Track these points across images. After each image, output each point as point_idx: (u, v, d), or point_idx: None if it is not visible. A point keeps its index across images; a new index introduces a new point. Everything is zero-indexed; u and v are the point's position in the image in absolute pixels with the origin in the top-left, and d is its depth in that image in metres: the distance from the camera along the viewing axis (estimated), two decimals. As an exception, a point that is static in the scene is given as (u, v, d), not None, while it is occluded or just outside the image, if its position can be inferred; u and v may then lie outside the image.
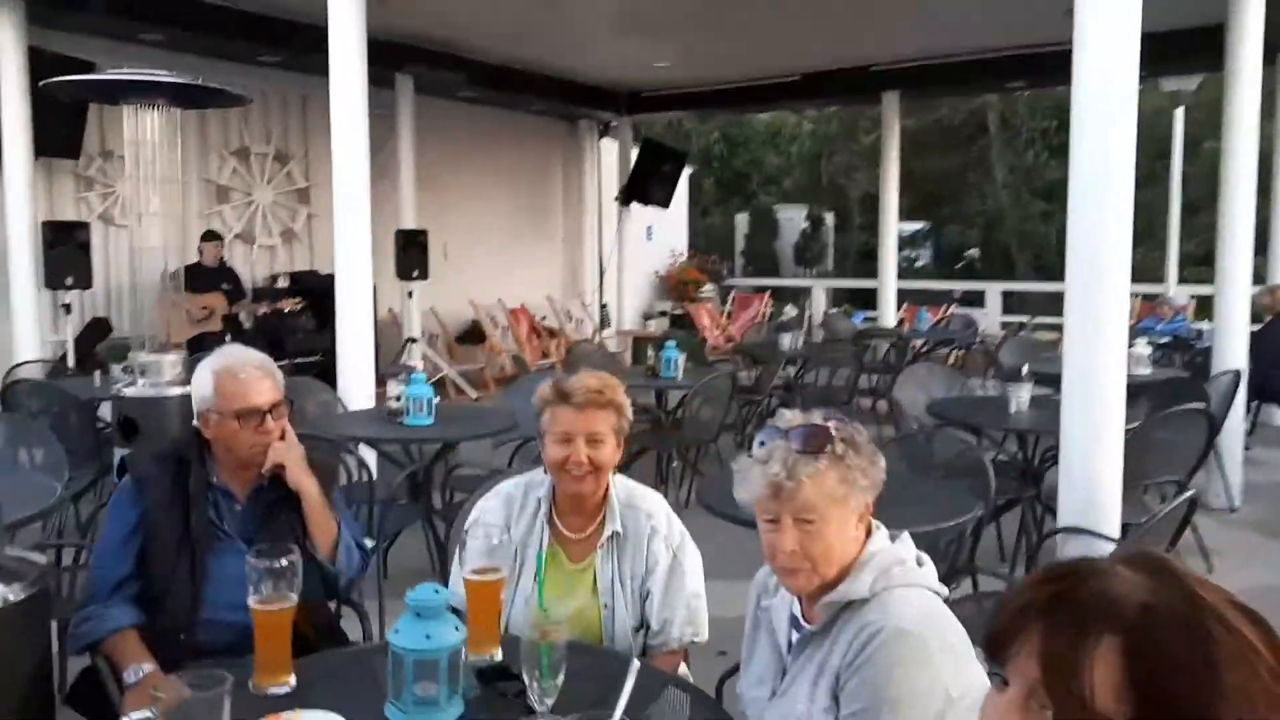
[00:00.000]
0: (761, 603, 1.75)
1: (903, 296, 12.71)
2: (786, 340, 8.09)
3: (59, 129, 7.37)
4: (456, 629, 1.61)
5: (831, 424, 1.60)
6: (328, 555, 2.28)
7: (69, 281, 7.18)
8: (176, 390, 4.57)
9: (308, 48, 6.65)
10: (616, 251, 12.84)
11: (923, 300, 14.04)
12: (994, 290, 13.96)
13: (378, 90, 9.88)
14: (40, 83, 3.99)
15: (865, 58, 10.28)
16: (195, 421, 2.32)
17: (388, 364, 9.71)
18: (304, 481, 2.27)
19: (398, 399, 4.37)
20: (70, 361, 7.37)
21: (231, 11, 7.86)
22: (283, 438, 2.31)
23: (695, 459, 5.95)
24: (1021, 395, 4.63)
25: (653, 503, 2.14)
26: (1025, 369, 4.80)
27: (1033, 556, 4.43)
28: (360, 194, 5.04)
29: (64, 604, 2.89)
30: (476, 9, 8.16)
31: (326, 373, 8.70)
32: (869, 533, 1.63)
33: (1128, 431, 3.57)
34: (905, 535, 1.66)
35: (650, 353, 6.34)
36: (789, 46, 9.52)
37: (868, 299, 13.19)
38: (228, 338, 7.93)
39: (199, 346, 7.94)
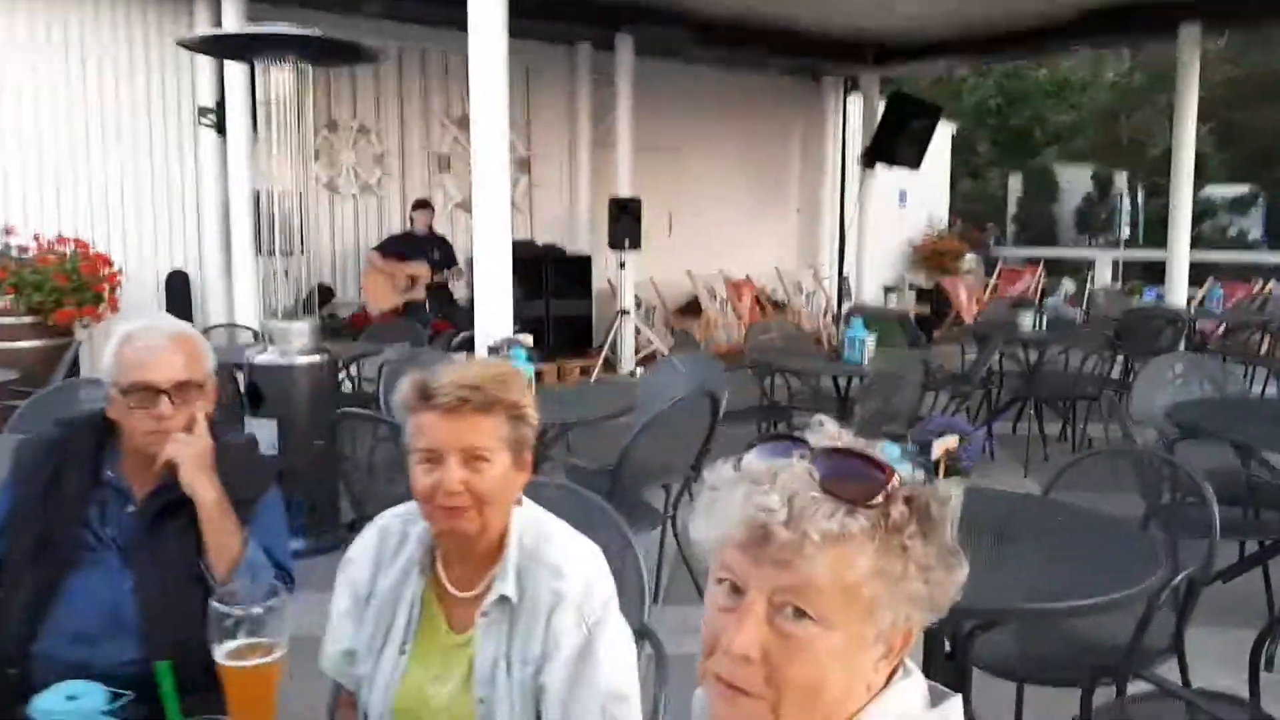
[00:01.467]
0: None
1: (1207, 272, 10.77)
2: (1028, 319, 6.89)
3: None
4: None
5: (897, 474, 0.91)
6: (222, 578, 1.84)
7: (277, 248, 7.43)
8: (304, 359, 4.43)
9: (523, 12, 6.41)
10: (857, 219, 11.82)
11: (1238, 275, 11.92)
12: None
13: (596, 53, 9.75)
14: (176, 40, 3.94)
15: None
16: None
17: (600, 335, 9.49)
18: (198, 485, 1.84)
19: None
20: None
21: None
22: (190, 429, 1.89)
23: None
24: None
25: (571, 555, 1.50)
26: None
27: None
28: (498, 158, 4.62)
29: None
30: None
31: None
32: (890, 678, 0.94)
33: None
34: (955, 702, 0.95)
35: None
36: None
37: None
38: (426, 306, 7.98)
39: (403, 315, 8.07)
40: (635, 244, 9.28)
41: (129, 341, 1.90)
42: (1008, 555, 2.21)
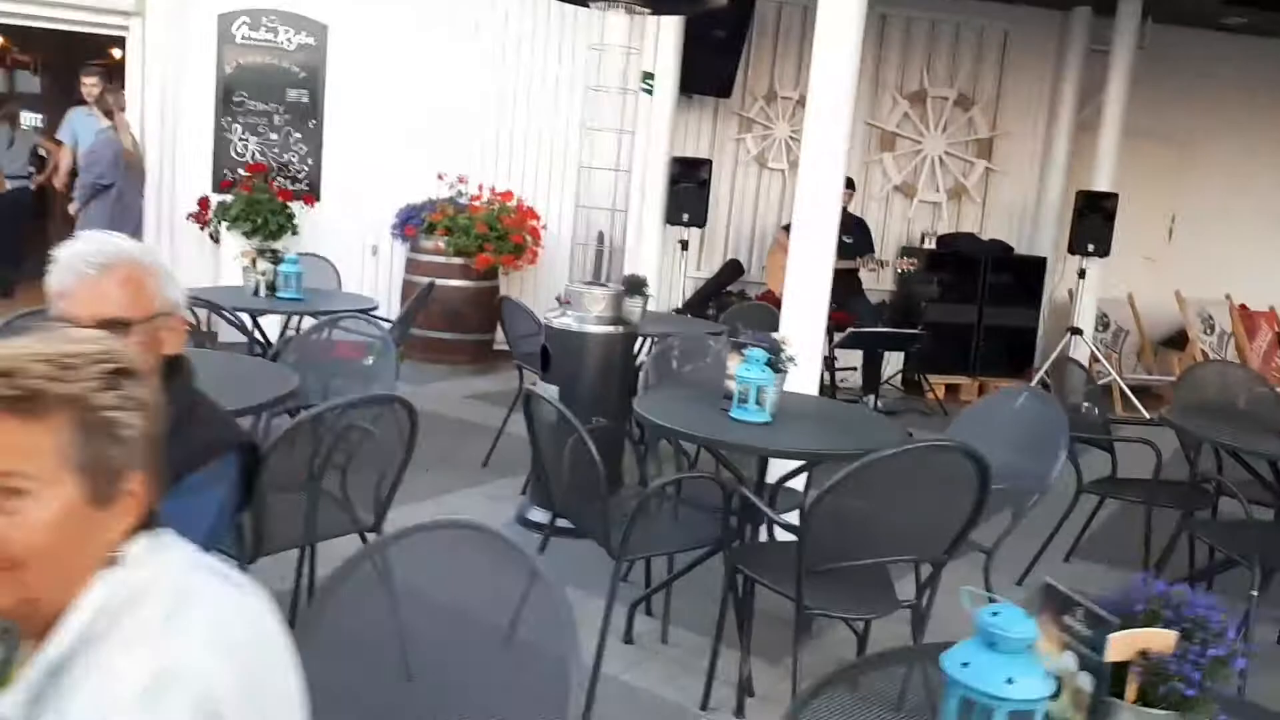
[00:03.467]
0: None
1: None
2: None
3: (709, 67, 7.42)
4: None
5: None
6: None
7: (685, 218, 7.24)
8: (598, 328, 4.09)
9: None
10: None
11: None
12: None
13: (1095, 18, 8.12)
14: None
15: None
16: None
17: (1045, 355, 8.02)
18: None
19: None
20: (682, 298, 7.51)
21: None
22: None
23: None
24: None
25: (130, 659, 0.87)
26: None
27: None
28: (836, 130, 3.79)
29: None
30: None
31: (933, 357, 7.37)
32: None
33: None
34: None
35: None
36: None
37: None
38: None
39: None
40: (1103, 250, 7.62)
41: (58, 264, 1.62)
42: None
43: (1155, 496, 3.69)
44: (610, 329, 4.11)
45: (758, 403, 2.93)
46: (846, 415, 3.32)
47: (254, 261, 4.87)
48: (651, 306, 7.32)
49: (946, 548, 2.54)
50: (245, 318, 4.73)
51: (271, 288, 4.83)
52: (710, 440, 2.79)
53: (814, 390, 3.91)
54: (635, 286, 5.29)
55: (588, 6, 3.94)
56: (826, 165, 3.80)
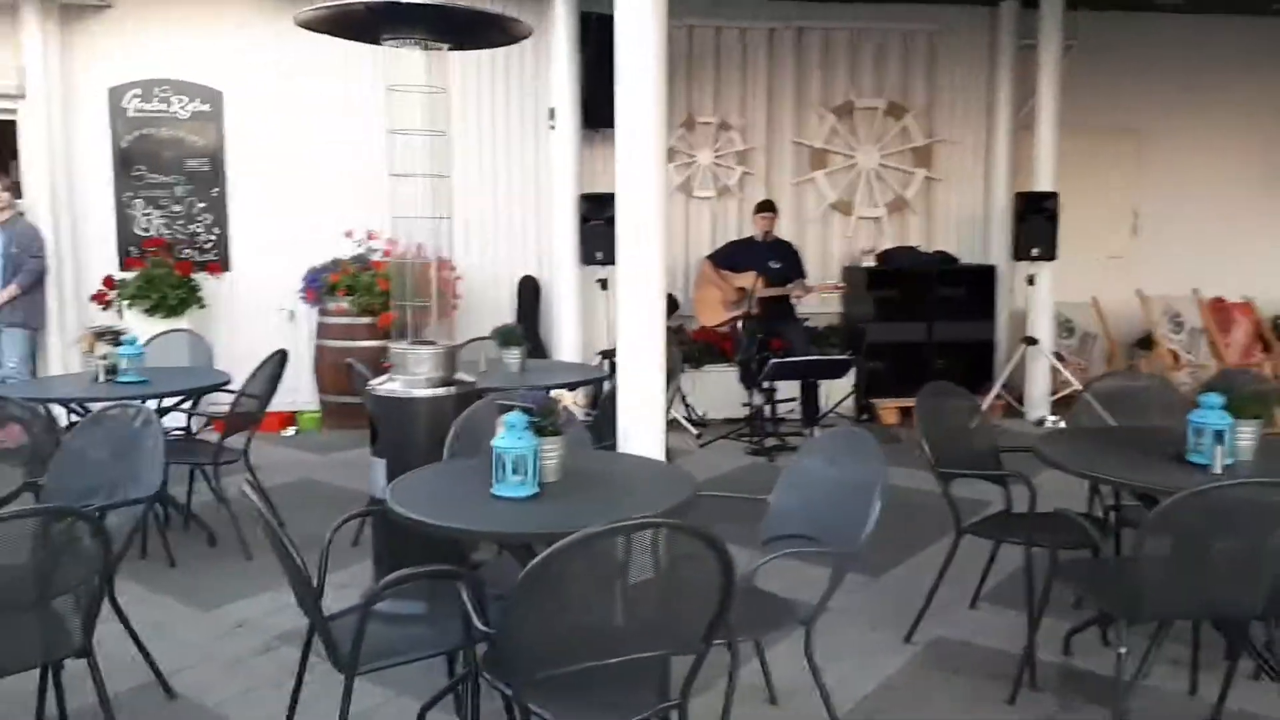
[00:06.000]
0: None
1: None
2: None
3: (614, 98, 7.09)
4: None
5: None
6: None
7: (599, 256, 6.90)
8: (426, 391, 3.73)
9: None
10: None
11: None
12: None
13: (1024, 10, 7.73)
14: (294, 16, 3.48)
15: None
16: None
17: (1000, 367, 7.57)
18: None
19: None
20: (608, 341, 7.15)
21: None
22: None
23: None
24: None
25: None
26: None
27: None
28: (647, 141, 3.42)
29: None
30: None
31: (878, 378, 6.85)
32: None
33: None
34: None
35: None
36: None
37: None
38: (739, 325, 6.89)
39: (734, 333, 7.09)
40: (1049, 253, 7.19)
41: None
42: None
43: (1033, 535, 3.25)
44: (439, 391, 3.75)
45: (516, 474, 2.56)
46: (642, 476, 2.91)
47: (91, 346, 4.59)
48: (569, 355, 7.03)
49: (704, 635, 2.14)
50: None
51: (113, 371, 4.54)
52: (440, 528, 2.41)
53: (659, 448, 3.51)
54: (509, 337, 4.96)
55: (379, 45, 3.63)
56: (644, 199, 3.44)
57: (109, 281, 7.05)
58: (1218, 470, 2.80)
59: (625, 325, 3.52)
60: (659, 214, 3.45)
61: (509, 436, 2.57)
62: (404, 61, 3.73)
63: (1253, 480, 2.63)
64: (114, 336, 4.61)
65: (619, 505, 2.58)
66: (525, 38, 3.70)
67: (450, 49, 3.68)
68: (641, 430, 3.50)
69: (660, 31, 3.34)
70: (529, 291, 7.73)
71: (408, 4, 3.46)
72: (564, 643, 2.06)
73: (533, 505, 2.53)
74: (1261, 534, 2.59)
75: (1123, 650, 2.64)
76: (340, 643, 2.40)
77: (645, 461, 3.17)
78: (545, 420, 2.66)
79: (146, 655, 3.20)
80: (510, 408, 2.66)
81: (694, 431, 6.94)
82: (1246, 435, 2.91)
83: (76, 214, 7.16)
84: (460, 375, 3.88)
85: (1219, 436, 2.84)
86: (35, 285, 6.45)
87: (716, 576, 2.06)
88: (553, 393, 2.85)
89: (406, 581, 2.35)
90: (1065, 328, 8.19)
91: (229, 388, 4.72)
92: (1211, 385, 2.97)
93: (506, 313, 7.62)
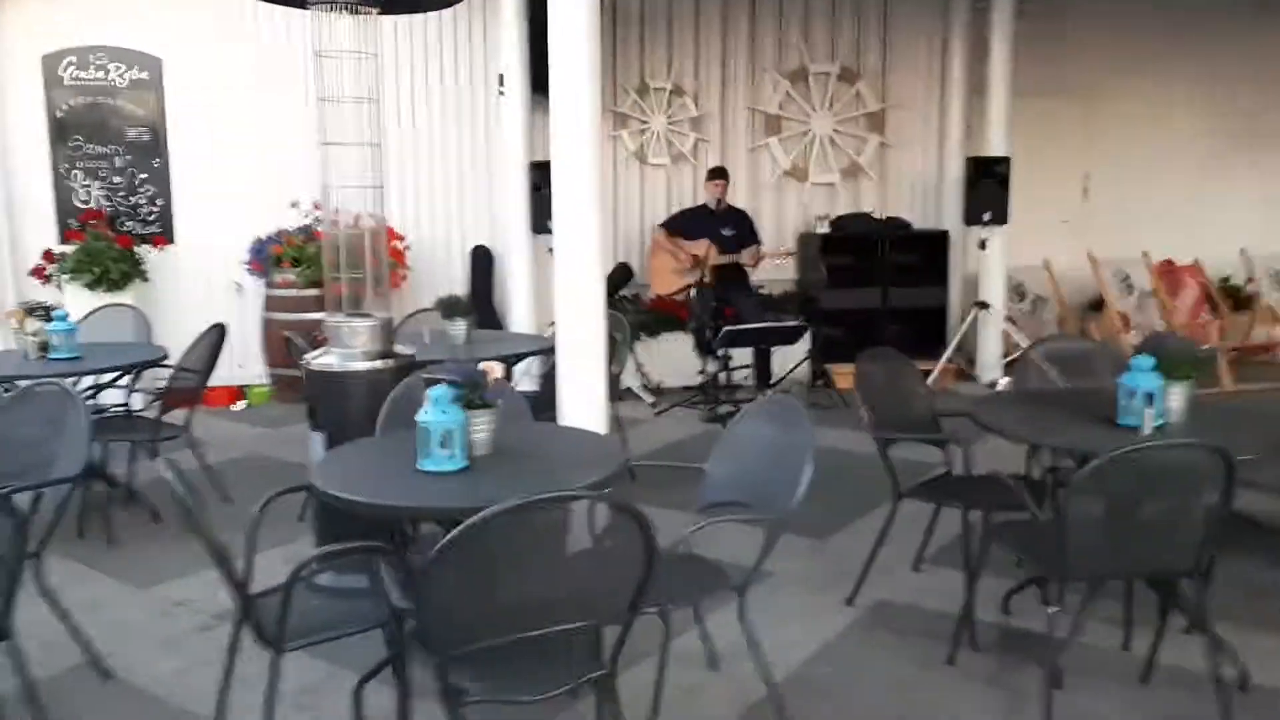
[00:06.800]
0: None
1: None
2: None
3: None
4: None
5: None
6: None
7: (550, 226, 6.80)
8: (362, 364, 3.68)
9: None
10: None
11: None
12: None
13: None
14: None
15: None
16: None
17: (954, 332, 7.61)
18: None
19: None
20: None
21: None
22: None
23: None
24: None
25: None
26: None
27: None
28: (584, 105, 3.36)
29: None
30: None
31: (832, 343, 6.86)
32: None
33: None
34: None
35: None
36: None
37: None
38: (693, 292, 6.87)
39: (688, 301, 7.06)
40: (1000, 218, 7.23)
41: None
42: None
43: (970, 498, 3.28)
44: (376, 364, 3.69)
45: (443, 448, 2.52)
46: (574, 449, 2.88)
47: (21, 323, 4.47)
48: (522, 326, 6.96)
49: (629, 605, 2.12)
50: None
51: (45, 348, 4.42)
52: (360, 504, 2.37)
53: (600, 419, 3.48)
54: (453, 308, 4.89)
55: (305, 8, 3.53)
56: (580, 167, 3.39)
57: (48, 255, 6.88)
58: (1147, 432, 2.83)
59: (563, 296, 3.48)
60: (595, 182, 3.40)
61: (434, 410, 2.53)
62: (335, 27, 3.63)
63: (1177, 442, 2.65)
64: (45, 312, 4.48)
65: (547, 479, 2.55)
66: (457, 2, 3.61)
67: (380, 13, 3.58)
68: (581, 402, 3.48)
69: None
70: (482, 261, 7.64)
71: (334, -34, 3.37)
72: (484, 617, 2.04)
73: (459, 480, 2.50)
74: (1188, 494, 2.62)
75: (1052, 609, 2.67)
76: (266, 621, 2.36)
77: (580, 433, 3.15)
78: (472, 393, 2.63)
79: (77, 636, 3.14)
80: (437, 381, 2.62)
81: (649, 400, 6.93)
82: (1176, 397, 2.94)
83: (12, 186, 6.97)
84: (398, 348, 3.83)
85: (1149, 398, 2.87)
86: None
87: (638, 547, 2.04)
88: (482, 365, 2.80)
89: (330, 559, 2.32)
90: (1017, 292, 8.25)
91: (167, 363, 4.62)
92: (1142, 348, 2.99)
93: (460, 283, 7.55)
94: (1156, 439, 2.79)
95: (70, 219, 7.03)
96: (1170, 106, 8.49)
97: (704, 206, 7.15)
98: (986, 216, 7.15)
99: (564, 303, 3.47)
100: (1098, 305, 8.01)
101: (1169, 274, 8.00)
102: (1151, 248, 8.00)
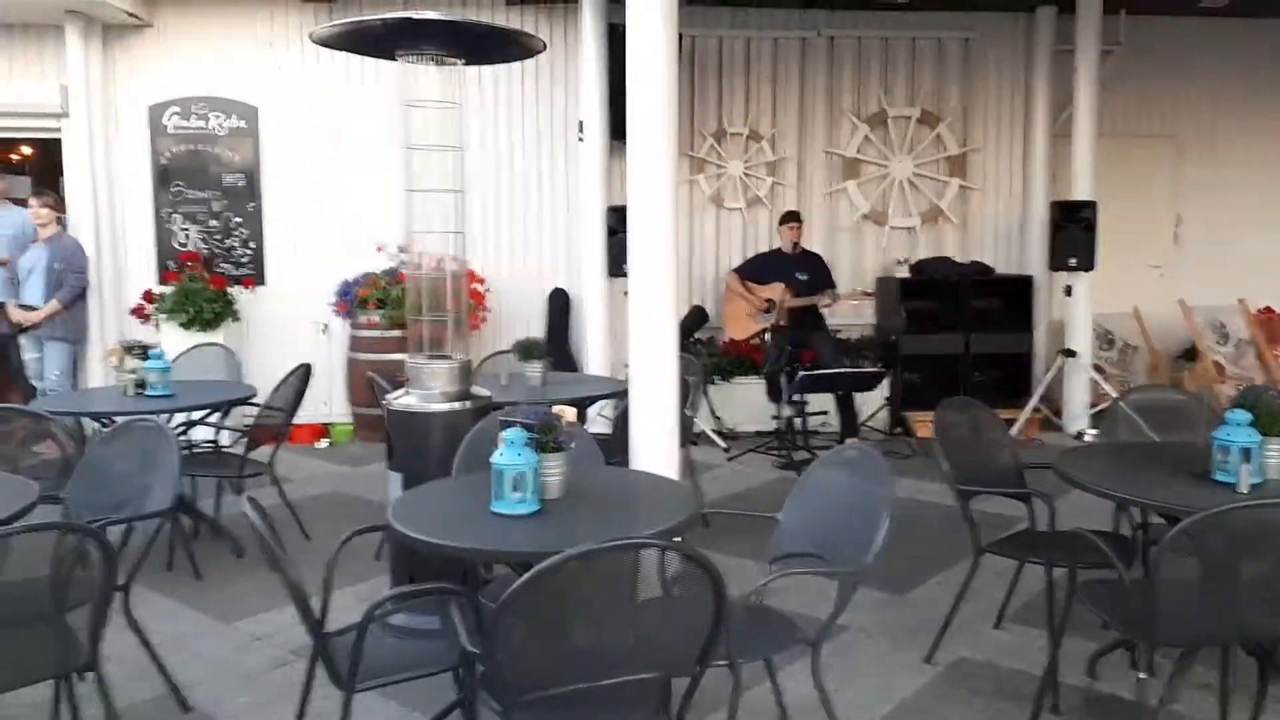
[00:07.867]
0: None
1: None
2: None
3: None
4: None
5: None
6: None
7: (627, 269, 6.86)
8: (441, 405, 3.74)
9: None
10: None
11: None
12: None
13: (1061, 17, 7.58)
14: (310, 33, 3.54)
15: None
16: None
17: (1039, 380, 7.41)
18: None
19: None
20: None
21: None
22: None
23: None
24: None
25: None
26: None
27: None
28: (660, 145, 3.40)
29: None
30: None
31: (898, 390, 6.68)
32: None
33: None
34: None
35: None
36: None
37: None
38: (768, 336, 6.83)
39: (764, 345, 7.02)
40: (1087, 264, 7.04)
41: None
42: None
43: (1054, 554, 3.16)
44: (455, 405, 3.75)
45: (516, 491, 2.54)
46: (647, 494, 2.87)
47: (120, 360, 4.67)
48: (598, 368, 7.00)
49: (698, 657, 2.10)
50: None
51: (142, 386, 4.61)
52: (434, 545, 2.39)
53: (672, 464, 3.47)
54: (529, 351, 4.95)
55: (394, 59, 3.65)
56: (656, 212, 3.42)
57: (148, 295, 7.19)
58: (1243, 490, 2.70)
59: (637, 340, 3.50)
60: (670, 227, 3.43)
61: (508, 453, 2.56)
62: (422, 77, 3.74)
63: (1275, 501, 2.53)
64: (142, 351, 4.67)
65: (618, 524, 2.55)
66: (539, 53, 3.70)
67: (465, 64, 3.68)
68: (653, 445, 3.48)
69: (670, 43, 3.32)
70: (560, 304, 7.74)
71: (421, 20, 3.47)
72: (552, 664, 2.03)
73: (531, 523, 2.51)
74: (1289, 556, 2.49)
75: (1141, 676, 2.55)
76: (339, 660, 2.40)
77: (652, 478, 3.14)
78: (546, 436, 2.65)
79: (161, 668, 3.23)
80: (511, 424, 2.65)
81: (722, 445, 6.88)
82: (1275, 453, 2.80)
83: (117, 229, 7.33)
84: (476, 389, 3.89)
85: (1245, 454, 2.74)
86: (77, 300, 6.56)
87: (708, 598, 2.02)
88: (555, 408, 2.82)
89: (403, 600, 2.35)
90: (1105, 339, 8.01)
91: (255, 401, 4.77)
92: (1239, 401, 2.86)
93: (538, 325, 7.65)
94: (1253, 497, 2.66)
95: (169, 261, 7.35)
96: (1263, 150, 8.21)
97: (778, 251, 7.13)
98: (1072, 262, 6.98)
99: (638, 345, 3.48)
100: (1190, 355, 7.72)
101: (1268, 322, 7.69)
102: (1246, 294, 7.71)
